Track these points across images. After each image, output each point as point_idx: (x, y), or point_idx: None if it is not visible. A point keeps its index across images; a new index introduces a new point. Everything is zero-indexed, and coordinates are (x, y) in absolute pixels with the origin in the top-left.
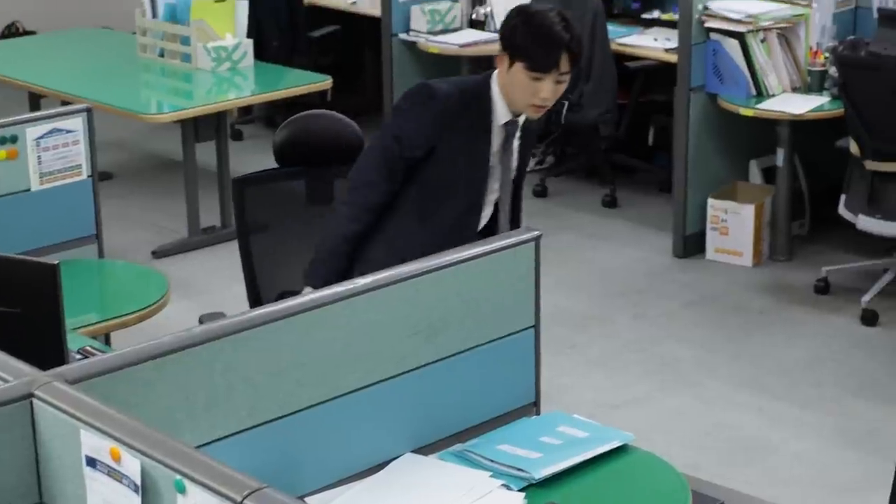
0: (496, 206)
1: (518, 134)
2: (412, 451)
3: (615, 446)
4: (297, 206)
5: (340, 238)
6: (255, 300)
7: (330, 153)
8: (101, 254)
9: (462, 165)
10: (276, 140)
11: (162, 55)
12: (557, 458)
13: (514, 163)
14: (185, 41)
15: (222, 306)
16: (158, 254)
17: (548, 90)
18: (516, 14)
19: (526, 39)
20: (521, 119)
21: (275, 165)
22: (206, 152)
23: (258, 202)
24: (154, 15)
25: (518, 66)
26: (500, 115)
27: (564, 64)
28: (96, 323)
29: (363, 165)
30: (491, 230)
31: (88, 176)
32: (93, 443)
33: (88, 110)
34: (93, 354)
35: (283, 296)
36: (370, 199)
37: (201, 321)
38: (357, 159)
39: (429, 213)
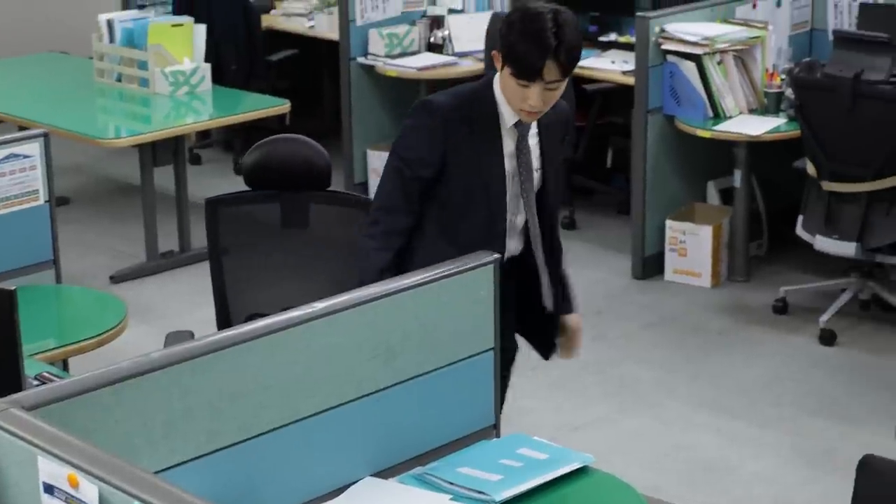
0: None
1: (535, 130)
2: (372, 475)
3: (575, 468)
4: (270, 228)
5: (377, 272)
6: (225, 322)
7: (299, 177)
8: (58, 279)
9: (476, 175)
10: (245, 162)
11: (119, 80)
12: (517, 480)
13: (536, 161)
14: (143, 66)
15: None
16: (116, 279)
17: (535, 98)
18: (512, 12)
19: (513, 43)
20: None
21: (233, 189)
22: (164, 177)
23: (230, 224)
24: (111, 40)
25: (507, 69)
26: (507, 116)
27: (551, 73)
28: (54, 349)
29: (380, 193)
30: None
31: (45, 201)
32: (50, 469)
33: (45, 135)
34: (50, 380)
35: (252, 318)
36: (393, 226)
37: (168, 340)
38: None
39: (455, 230)
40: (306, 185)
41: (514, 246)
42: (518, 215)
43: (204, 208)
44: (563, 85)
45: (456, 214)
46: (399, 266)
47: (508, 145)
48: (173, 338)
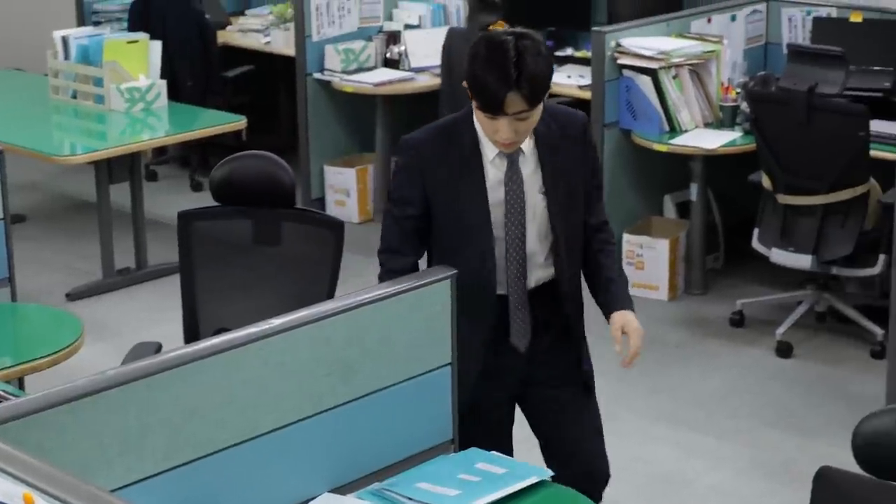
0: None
1: (534, 153)
2: (330, 491)
3: (533, 482)
4: (242, 244)
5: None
6: (193, 336)
7: (264, 194)
8: (13, 297)
9: (458, 209)
10: (213, 177)
11: (75, 97)
12: (475, 495)
13: (538, 185)
14: (98, 82)
15: None
16: (73, 296)
17: (505, 130)
18: (476, 41)
19: (475, 75)
20: (524, 145)
21: (190, 205)
22: (120, 194)
23: (201, 238)
24: (66, 56)
25: (474, 101)
26: (489, 146)
27: (515, 104)
28: (9, 367)
29: (382, 234)
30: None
31: (1, 219)
32: (6, 488)
33: (0, 153)
34: (5, 399)
35: (220, 332)
36: (394, 266)
37: (134, 351)
38: None
39: (454, 266)
40: (270, 201)
41: (540, 275)
42: (533, 243)
43: (176, 222)
44: (536, 113)
45: (450, 251)
46: None
47: (495, 175)
48: (140, 349)
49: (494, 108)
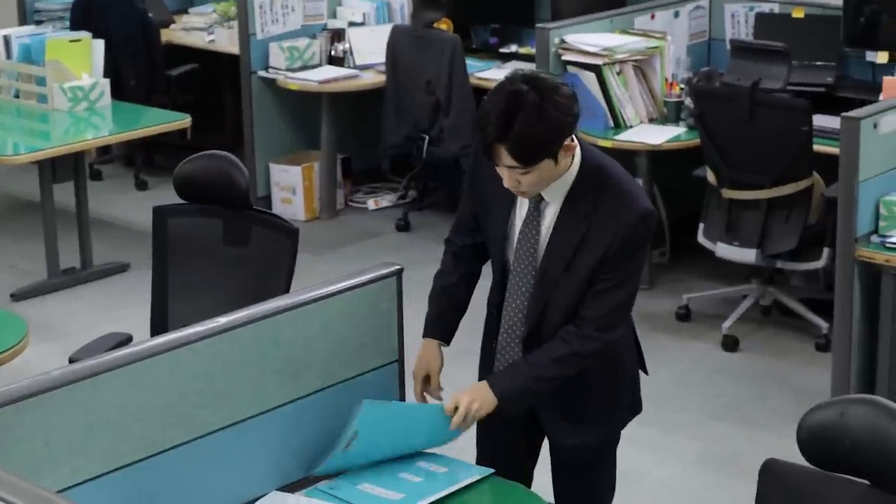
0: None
1: (552, 212)
2: (278, 489)
3: (476, 480)
4: (212, 244)
5: (433, 294)
6: (161, 331)
7: (221, 194)
8: None
9: (490, 223)
10: (177, 173)
11: (17, 96)
12: (418, 497)
13: (543, 244)
14: (41, 81)
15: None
16: (17, 296)
17: (506, 178)
18: (504, 79)
19: (480, 111)
20: (549, 196)
21: (134, 205)
22: (64, 193)
23: (174, 235)
24: (8, 55)
25: None
26: None
27: (503, 158)
28: None
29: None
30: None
31: None
32: None
33: None
34: None
35: None
36: (454, 246)
37: (103, 341)
38: None
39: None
40: (226, 201)
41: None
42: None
43: (151, 216)
44: (542, 171)
45: (489, 250)
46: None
47: (520, 210)
48: (109, 339)
49: (487, 154)
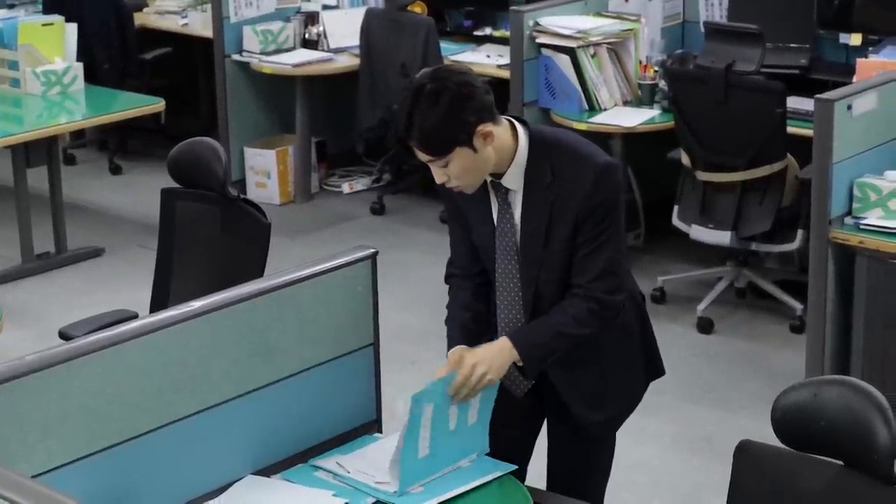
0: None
1: (519, 197)
2: (254, 473)
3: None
4: (210, 229)
5: (447, 321)
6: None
7: (200, 180)
8: None
9: (478, 238)
10: (170, 158)
11: None
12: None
13: (517, 235)
14: (14, 66)
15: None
16: None
17: (435, 174)
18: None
19: None
20: (510, 184)
21: (108, 189)
22: (37, 178)
23: (180, 217)
24: None
25: None
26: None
27: (419, 153)
28: None
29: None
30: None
31: None
32: None
33: None
34: None
35: None
36: (451, 271)
37: (104, 318)
38: None
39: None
40: (206, 187)
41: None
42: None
43: (160, 197)
44: (462, 162)
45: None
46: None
47: (495, 204)
48: (112, 315)
49: (411, 153)
